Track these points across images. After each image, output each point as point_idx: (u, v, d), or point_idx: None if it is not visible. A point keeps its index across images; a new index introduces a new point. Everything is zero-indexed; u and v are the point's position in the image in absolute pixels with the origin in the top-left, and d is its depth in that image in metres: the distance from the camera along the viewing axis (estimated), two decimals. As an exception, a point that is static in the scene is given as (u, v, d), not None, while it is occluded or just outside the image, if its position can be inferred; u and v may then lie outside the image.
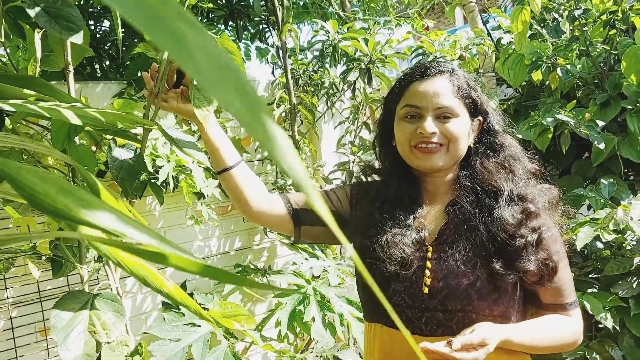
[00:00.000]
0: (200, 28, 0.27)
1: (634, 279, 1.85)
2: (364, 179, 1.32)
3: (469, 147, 1.16)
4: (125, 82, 2.26)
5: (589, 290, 1.92)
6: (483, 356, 0.94)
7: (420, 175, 1.19)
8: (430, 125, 1.09)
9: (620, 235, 1.86)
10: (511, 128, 1.25)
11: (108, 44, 2.86)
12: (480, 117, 1.17)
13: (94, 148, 1.38)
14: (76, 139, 1.13)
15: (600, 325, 1.90)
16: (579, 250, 1.83)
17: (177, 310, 2.07)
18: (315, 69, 2.70)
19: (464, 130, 1.12)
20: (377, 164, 1.30)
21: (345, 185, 1.33)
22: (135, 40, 2.61)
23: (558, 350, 1.12)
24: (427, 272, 1.08)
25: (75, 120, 0.83)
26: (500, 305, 1.06)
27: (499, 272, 1.04)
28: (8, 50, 1.25)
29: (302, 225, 1.23)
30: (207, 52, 0.26)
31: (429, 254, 1.10)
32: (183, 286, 2.45)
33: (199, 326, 1.80)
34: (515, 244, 1.04)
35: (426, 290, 1.07)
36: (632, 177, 2.65)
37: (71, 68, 1.35)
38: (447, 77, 1.12)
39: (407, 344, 1.07)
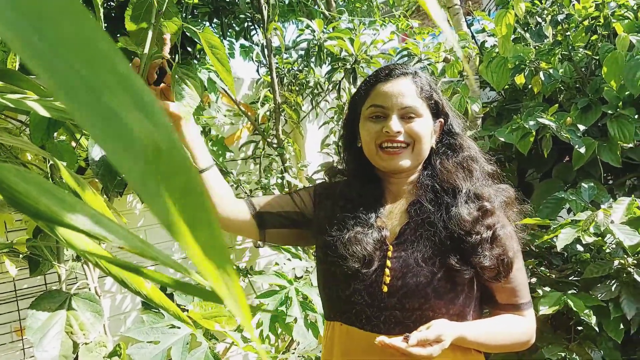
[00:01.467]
0: (161, 118, 0.20)
1: (613, 282, 1.87)
2: (328, 180, 1.33)
3: (431, 148, 1.19)
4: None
5: (569, 292, 1.94)
6: (438, 352, 0.98)
7: (384, 176, 1.22)
8: (395, 124, 1.11)
9: (600, 238, 1.89)
10: (474, 134, 1.29)
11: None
12: (441, 119, 1.21)
13: (73, 144, 1.35)
14: (55, 135, 1.10)
15: (580, 328, 1.92)
16: (559, 250, 1.85)
17: (156, 311, 2.04)
18: (300, 68, 2.69)
19: (427, 130, 1.15)
20: (340, 165, 1.32)
21: (308, 187, 1.35)
22: (118, 35, 2.57)
23: (511, 349, 1.15)
24: (387, 270, 1.10)
25: (43, 112, 0.80)
26: (457, 304, 1.09)
27: (455, 267, 1.07)
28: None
29: (266, 228, 1.24)
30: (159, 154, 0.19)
31: (390, 253, 1.12)
32: (163, 287, 2.41)
33: (179, 328, 1.78)
34: (471, 240, 1.08)
35: (385, 289, 1.09)
36: (610, 182, 2.69)
37: (51, 62, 1.31)
38: (411, 79, 1.16)
39: (365, 341, 1.10)
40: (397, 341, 0.96)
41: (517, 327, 1.14)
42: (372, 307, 1.10)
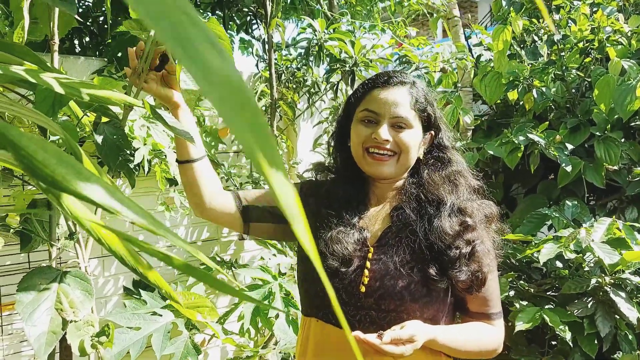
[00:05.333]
0: (226, 55, 0.27)
1: (590, 299, 1.92)
2: (315, 176, 1.35)
3: (419, 158, 1.21)
4: (106, 59, 2.21)
5: (546, 307, 1.98)
6: (410, 351, 1.01)
7: (370, 179, 1.24)
8: (384, 132, 1.13)
9: (580, 255, 1.93)
10: (464, 146, 1.30)
11: (90, 20, 2.79)
12: (432, 132, 1.23)
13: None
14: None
15: (554, 342, 1.97)
16: (540, 265, 1.89)
17: (138, 298, 2.03)
18: (299, 66, 2.70)
19: (415, 142, 1.17)
20: (329, 164, 1.34)
21: (295, 183, 1.37)
22: (119, 18, 2.56)
23: (478, 356, 1.18)
24: (366, 271, 1.13)
25: (59, 89, 0.81)
26: (431, 309, 1.12)
27: (433, 277, 1.10)
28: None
29: (251, 221, 1.26)
30: (230, 86, 0.26)
31: (370, 255, 1.15)
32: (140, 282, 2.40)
33: (161, 315, 1.78)
34: (450, 254, 1.11)
35: (363, 289, 1.12)
36: (592, 202, 2.75)
37: (57, 39, 1.32)
38: (408, 89, 1.17)
39: (339, 337, 1.13)
40: (371, 337, 0.99)
41: (486, 335, 1.17)
42: (348, 306, 1.13)
